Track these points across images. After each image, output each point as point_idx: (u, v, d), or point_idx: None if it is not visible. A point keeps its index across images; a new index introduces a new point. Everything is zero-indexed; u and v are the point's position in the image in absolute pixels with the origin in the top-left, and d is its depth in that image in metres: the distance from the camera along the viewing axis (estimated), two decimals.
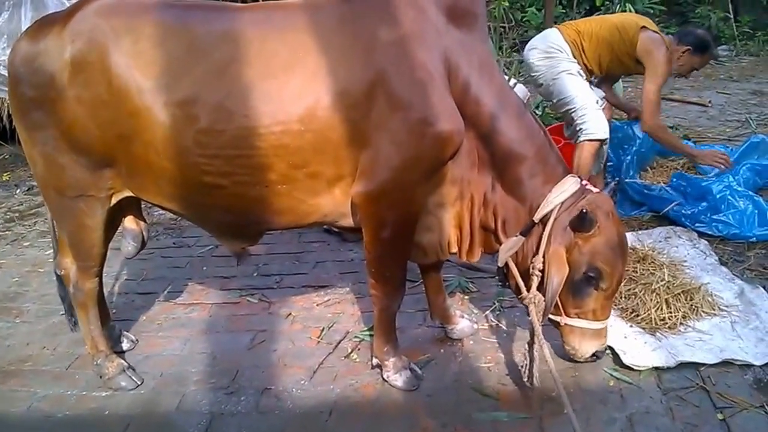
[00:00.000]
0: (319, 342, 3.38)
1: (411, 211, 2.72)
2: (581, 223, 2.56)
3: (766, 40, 10.66)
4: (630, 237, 3.92)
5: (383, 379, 3.00)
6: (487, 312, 3.53)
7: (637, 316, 3.31)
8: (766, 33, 10.87)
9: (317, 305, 3.74)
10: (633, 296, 3.43)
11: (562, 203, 2.64)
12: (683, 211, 4.23)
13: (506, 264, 2.79)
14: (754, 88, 8.03)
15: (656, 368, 2.96)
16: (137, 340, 3.46)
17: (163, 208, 2.92)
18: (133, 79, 2.51)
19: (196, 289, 4.01)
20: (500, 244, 2.79)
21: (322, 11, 2.61)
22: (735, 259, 3.90)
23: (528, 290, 2.70)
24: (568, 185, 2.67)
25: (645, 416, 2.70)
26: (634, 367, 2.96)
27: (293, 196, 2.65)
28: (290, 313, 3.67)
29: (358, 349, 3.30)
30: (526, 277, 2.72)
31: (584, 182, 2.74)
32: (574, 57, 4.34)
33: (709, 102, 7.31)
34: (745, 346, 3.05)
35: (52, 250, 4.63)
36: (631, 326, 3.27)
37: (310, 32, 2.54)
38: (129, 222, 3.11)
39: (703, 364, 2.95)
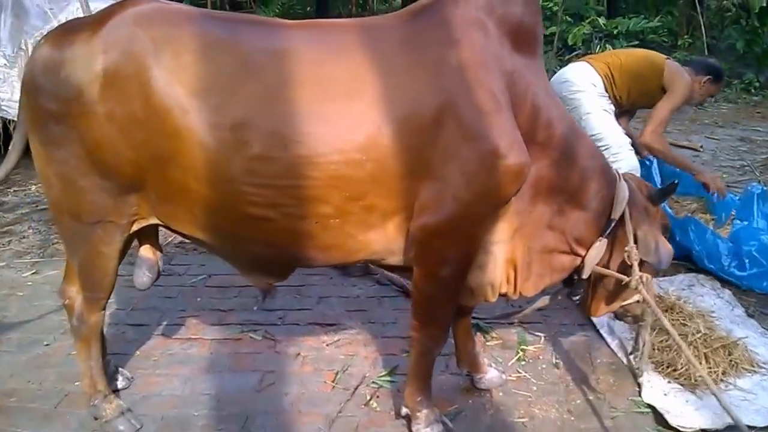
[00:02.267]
0: (334, 387, 3.13)
1: (473, 247, 2.54)
2: (665, 193, 2.90)
3: (743, 87, 10.76)
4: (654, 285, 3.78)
5: None
6: (512, 361, 3.31)
7: (675, 370, 3.13)
8: (741, 81, 10.99)
9: (327, 345, 3.48)
10: (668, 349, 3.25)
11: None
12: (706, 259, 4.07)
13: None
14: (741, 135, 8.03)
15: (703, 430, 2.78)
16: (133, 377, 3.16)
17: (190, 239, 2.65)
18: (174, 96, 2.26)
19: (192, 323, 3.71)
20: (578, 257, 2.77)
21: (382, 32, 2.43)
22: (761, 311, 3.75)
23: (629, 278, 2.71)
24: (618, 173, 2.80)
25: None
26: (680, 429, 2.77)
27: (344, 231, 2.42)
28: (299, 353, 3.40)
29: (377, 397, 3.06)
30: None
31: None
32: (606, 90, 4.25)
33: (701, 147, 7.27)
34: None
35: (29, 272, 4.40)
36: (669, 382, 3.09)
37: (370, 54, 2.34)
38: (145, 251, 2.83)
39: (753, 427, 2.77)
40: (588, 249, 2.72)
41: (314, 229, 2.41)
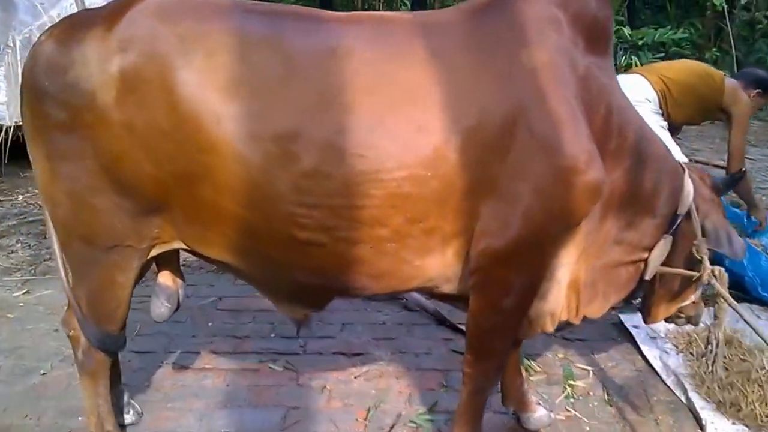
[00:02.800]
0: (366, 425, 2.82)
1: (540, 274, 2.27)
2: (732, 182, 2.83)
3: None
4: (705, 315, 3.52)
5: None
6: (560, 398, 3.02)
7: (739, 410, 2.86)
8: None
9: (355, 377, 3.17)
10: (730, 387, 2.97)
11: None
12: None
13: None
14: None
15: None
16: (142, 411, 2.83)
17: (219, 264, 2.34)
18: (207, 102, 1.96)
19: (205, 350, 3.39)
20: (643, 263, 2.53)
21: (445, 29, 2.15)
22: None
23: (700, 273, 2.51)
24: (683, 164, 2.59)
25: None
26: None
27: (400, 256, 2.13)
28: (325, 386, 3.09)
29: None
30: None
31: None
32: (660, 107, 4.02)
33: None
34: None
35: (20, 292, 4.06)
36: (733, 423, 2.81)
37: (433, 54, 2.07)
38: (164, 278, 2.52)
39: None
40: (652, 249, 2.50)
41: (368, 255, 2.12)
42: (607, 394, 3.05)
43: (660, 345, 3.36)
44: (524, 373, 3.17)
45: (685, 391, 3.00)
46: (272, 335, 3.55)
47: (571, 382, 3.12)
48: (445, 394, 3.01)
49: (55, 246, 2.34)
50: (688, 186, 2.49)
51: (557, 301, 2.39)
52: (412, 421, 2.84)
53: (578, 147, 2.07)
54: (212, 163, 1.99)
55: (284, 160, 1.97)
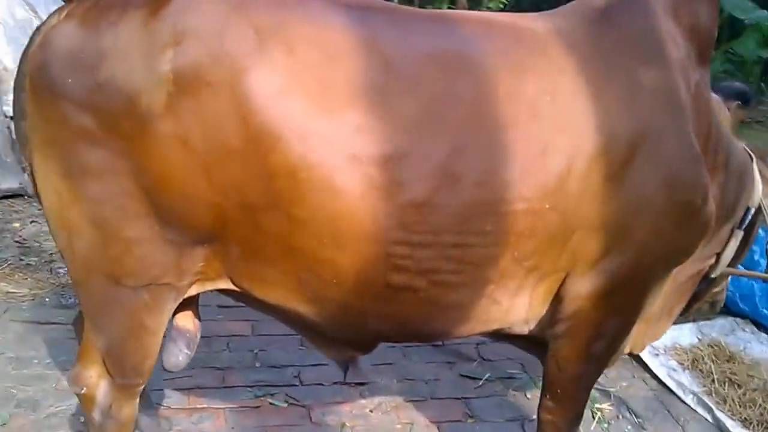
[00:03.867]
0: None
1: (636, 317, 2.09)
2: None
3: None
4: (693, 329, 3.55)
5: None
6: (593, 425, 2.87)
7: (767, 429, 2.85)
8: None
9: (370, 411, 2.87)
10: (752, 404, 2.97)
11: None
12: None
13: None
14: None
15: None
16: None
17: (269, 308, 1.94)
18: (289, 114, 1.59)
19: (187, 386, 2.92)
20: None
21: (566, 33, 1.88)
22: None
23: None
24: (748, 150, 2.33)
25: None
26: None
27: (493, 299, 1.88)
28: (344, 424, 2.76)
29: None
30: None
31: None
32: None
33: None
34: None
35: None
36: None
37: (554, 64, 1.80)
38: (184, 320, 2.06)
39: None
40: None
41: (464, 300, 1.85)
42: (636, 417, 2.94)
43: (665, 362, 3.32)
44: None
45: (710, 411, 2.96)
46: (257, 365, 3.15)
47: (598, 406, 2.98)
48: (474, 426, 2.79)
49: None
50: (758, 177, 2.29)
51: (630, 337, 2.23)
52: None
53: (698, 181, 1.91)
54: (290, 191, 1.62)
55: (389, 188, 1.64)
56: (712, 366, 3.25)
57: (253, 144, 1.58)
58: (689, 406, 3.04)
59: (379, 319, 1.87)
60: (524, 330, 2.05)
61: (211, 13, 1.60)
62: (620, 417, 2.94)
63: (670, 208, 1.87)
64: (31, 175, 1.78)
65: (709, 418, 2.95)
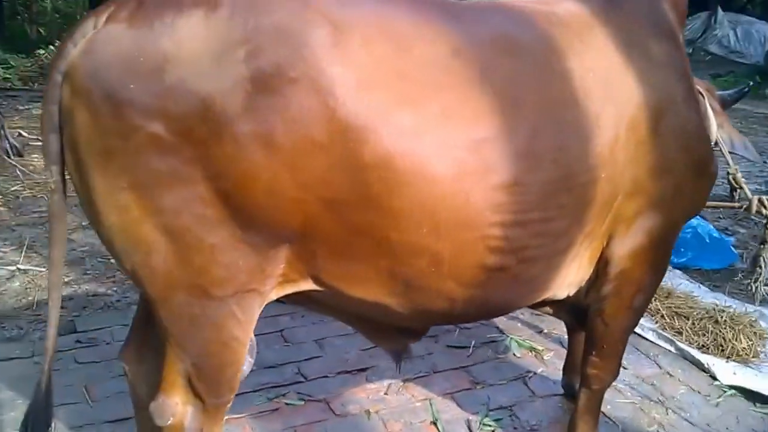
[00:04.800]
0: None
1: (667, 266, 2.36)
2: (740, 96, 2.82)
3: None
4: None
5: None
6: None
7: (723, 351, 3.25)
8: None
9: (384, 394, 2.94)
10: (704, 331, 3.36)
11: None
12: None
13: None
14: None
15: None
16: None
17: (346, 305, 1.95)
18: (375, 106, 1.61)
19: None
20: None
21: (586, 15, 2.05)
22: (714, 285, 4.07)
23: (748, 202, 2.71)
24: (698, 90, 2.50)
25: None
26: None
27: (559, 268, 2.03)
28: (367, 410, 2.82)
29: None
30: None
31: None
32: None
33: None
34: None
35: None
36: (726, 361, 3.19)
37: (586, 41, 1.98)
38: None
39: None
40: None
41: (540, 273, 1.99)
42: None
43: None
44: (529, 354, 3.26)
45: (671, 342, 3.32)
46: (253, 368, 3.08)
47: None
48: (485, 391, 2.95)
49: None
50: (710, 113, 2.51)
51: None
52: (484, 424, 2.74)
53: (706, 140, 2.21)
54: (384, 182, 1.65)
55: (480, 171, 1.72)
56: (657, 303, 3.61)
57: (340, 138, 1.59)
58: (652, 341, 3.38)
59: (465, 303, 1.94)
60: (564, 295, 2.19)
61: (284, 10, 1.59)
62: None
63: (691, 167, 2.12)
64: (78, 192, 1.68)
65: (673, 350, 3.31)
